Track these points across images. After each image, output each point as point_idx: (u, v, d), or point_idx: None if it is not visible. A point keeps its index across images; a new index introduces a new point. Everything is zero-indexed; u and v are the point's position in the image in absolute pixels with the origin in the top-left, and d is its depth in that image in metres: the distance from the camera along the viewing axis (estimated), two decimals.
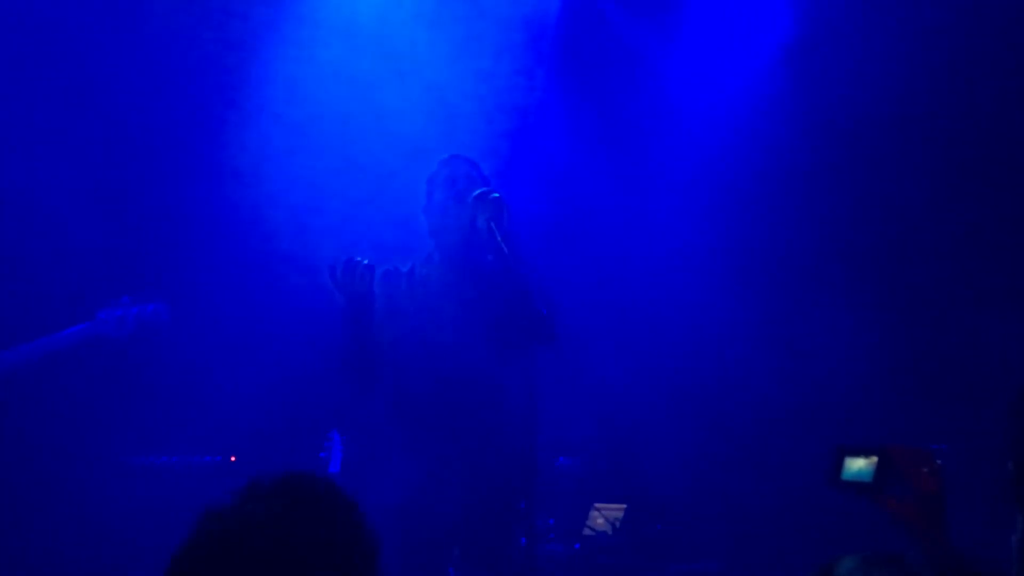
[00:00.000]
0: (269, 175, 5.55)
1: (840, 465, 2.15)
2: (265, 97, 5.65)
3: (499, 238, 3.95)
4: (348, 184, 5.50)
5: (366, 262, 3.99)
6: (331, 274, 3.98)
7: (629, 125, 6.19)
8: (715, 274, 6.02)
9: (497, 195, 4.03)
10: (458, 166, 4.22)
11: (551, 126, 6.00)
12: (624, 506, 5.59)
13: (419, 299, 4.15)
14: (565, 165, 6.14)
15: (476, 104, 5.59)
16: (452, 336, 4.10)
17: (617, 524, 5.51)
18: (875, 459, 2.10)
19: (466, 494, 4.03)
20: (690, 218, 6.09)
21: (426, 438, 4.06)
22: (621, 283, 6.11)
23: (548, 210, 5.86)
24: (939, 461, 2.03)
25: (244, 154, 5.55)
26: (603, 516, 5.56)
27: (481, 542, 4.07)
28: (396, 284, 4.20)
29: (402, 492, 4.06)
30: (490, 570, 4.08)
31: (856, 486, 2.14)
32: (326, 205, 5.50)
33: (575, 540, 5.50)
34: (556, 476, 5.49)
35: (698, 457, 5.83)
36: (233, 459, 5.23)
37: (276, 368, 5.61)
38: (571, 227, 6.11)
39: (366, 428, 4.75)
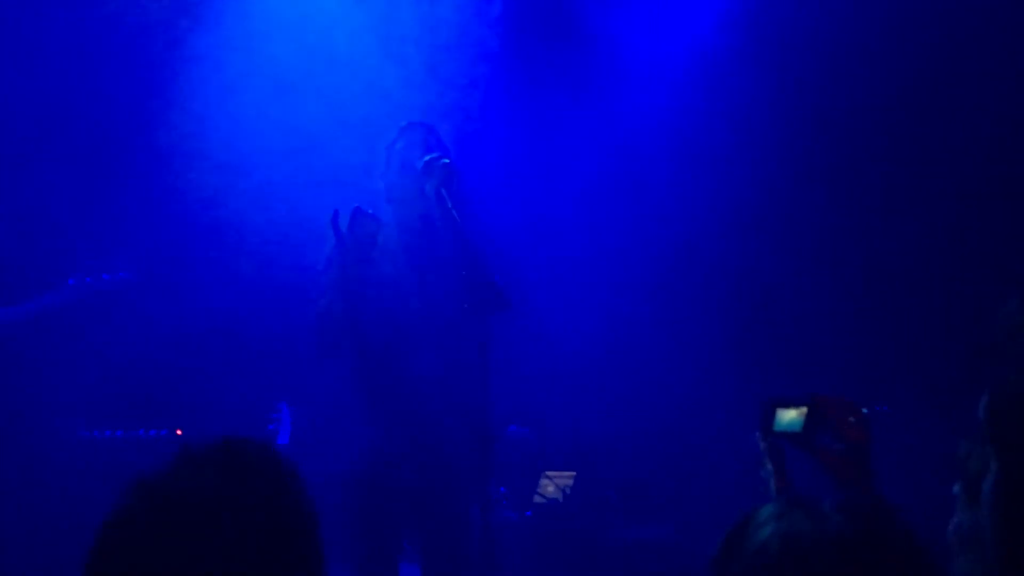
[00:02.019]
0: (223, 150, 5.49)
1: (772, 417, 2.20)
2: (214, 74, 5.58)
3: (449, 205, 3.93)
4: (304, 155, 5.45)
5: (371, 211, 3.97)
6: (334, 221, 3.94)
7: (583, 86, 6.17)
8: (670, 239, 6.02)
9: (446, 161, 4.00)
10: (415, 133, 4.20)
11: (503, 92, 5.95)
12: (574, 473, 5.62)
13: (376, 266, 4.12)
14: (518, 131, 6.12)
15: (426, 68, 5.54)
16: (408, 303, 4.09)
17: (567, 491, 5.54)
18: (805, 410, 2.16)
19: (422, 461, 4.04)
20: (644, 182, 6.08)
21: (383, 405, 4.06)
22: (574, 250, 6.10)
23: (500, 175, 5.84)
24: (865, 411, 2.07)
25: (204, 135, 5.48)
26: (554, 484, 5.58)
27: (436, 510, 4.08)
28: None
29: (359, 460, 4.06)
30: (445, 538, 4.09)
31: (787, 436, 2.19)
32: (281, 178, 5.45)
33: (527, 508, 5.52)
34: (507, 444, 5.51)
35: (649, 424, 5.86)
36: (179, 432, 5.19)
37: (224, 340, 5.58)
38: (524, 192, 6.09)
39: (324, 395, 4.73)
